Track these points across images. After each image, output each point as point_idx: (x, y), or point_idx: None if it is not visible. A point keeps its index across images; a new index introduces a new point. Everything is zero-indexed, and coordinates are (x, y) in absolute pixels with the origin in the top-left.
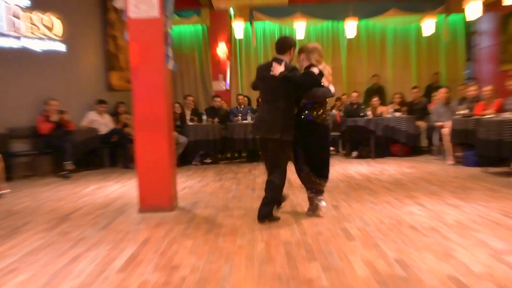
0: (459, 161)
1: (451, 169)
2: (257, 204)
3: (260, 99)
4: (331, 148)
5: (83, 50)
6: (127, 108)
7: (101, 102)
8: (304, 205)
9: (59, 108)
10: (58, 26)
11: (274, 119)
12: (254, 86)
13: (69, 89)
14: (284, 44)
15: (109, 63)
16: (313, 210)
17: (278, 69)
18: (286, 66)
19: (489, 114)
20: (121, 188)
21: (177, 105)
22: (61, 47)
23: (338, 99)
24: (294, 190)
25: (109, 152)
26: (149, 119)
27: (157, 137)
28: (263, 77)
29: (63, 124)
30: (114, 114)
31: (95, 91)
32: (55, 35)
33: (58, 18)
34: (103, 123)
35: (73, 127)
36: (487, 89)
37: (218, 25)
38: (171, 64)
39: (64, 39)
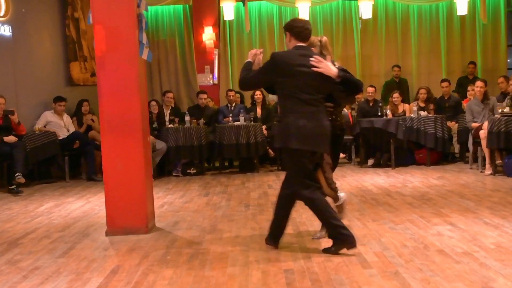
0: (499, 171)
1: (490, 180)
2: (252, 224)
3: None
4: (342, 156)
5: (35, 36)
6: (91, 107)
7: (59, 99)
8: (309, 225)
9: (6, 108)
10: None
11: (326, 127)
12: (261, 85)
13: (18, 84)
14: (309, 30)
15: (69, 52)
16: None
17: (332, 67)
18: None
19: None
20: (85, 205)
21: (153, 103)
22: (5, 31)
23: None
24: (297, 207)
25: (70, 161)
26: (119, 121)
27: (129, 142)
28: (299, 72)
29: (12, 127)
30: (76, 115)
31: (51, 86)
32: None
33: None
34: (63, 126)
35: (24, 131)
36: None
37: (204, 4)
38: (145, 53)
39: (9, 20)
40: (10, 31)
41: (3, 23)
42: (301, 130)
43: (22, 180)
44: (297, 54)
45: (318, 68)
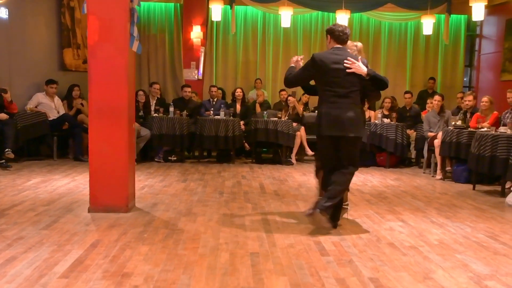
0: (448, 176)
1: (439, 184)
2: (224, 210)
3: (324, 94)
4: (311, 153)
5: (32, 20)
6: (82, 92)
7: (51, 82)
8: (276, 214)
9: (0, 86)
10: None
11: (356, 116)
12: (302, 81)
13: (12, 65)
14: (347, 35)
15: (64, 38)
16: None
17: (362, 66)
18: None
19: (485, 127)
20: (70, 183)
21: (141, 92)
22: (2, 13)
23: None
24: (267, 197)
25: (59, 141)
26: (107, 107)
27: (115, 127)
28: (334, 69)
29: (4, 105)
30: (67, 98)
31: (45, 70)
32: None
33: None
34: (53, 107)
35: (16, 109)
36: (484, 100)
37: (194, 4)
38: (135, 46)
39: (6, 3)
40: (7, 13)
41: (0, 5)
42: (330, 118)
43: (11, 155)
44: (333, 54)
45: (351, 69)
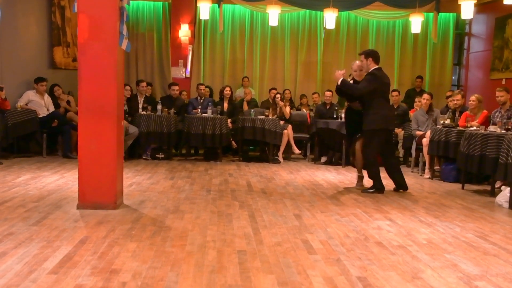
0: (436, 176)
1: (428, 183)
2: (211, 207)
3: (379, 101)
4: (298, 152)
5: (23, 19)
6: (71, 89)
7: (40, 80)
8: (263, 212)
9: None
10: None
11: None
12: (369, 92)
13: (3, 62)
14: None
15: (54, 37)
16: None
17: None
18: None
19: (474, 126)
20: (60, 179)
21: (127, 87)
22: None
23: (303, 95)
24: (254, 195)
25: (48, 139)
26: (96, 104)
27: (104, 125)
28: (386, 83)
29: None
30: (50, 95)
31: (35, 68)
32: None
33: None
34: (43, 105)
35: (8, 106)
36: (472, 99)
37: (182, 3)
38: (124, 44)
39: None
40: None
41: None
42: (385, 115)
43: None
44: (381, 73)
45: None
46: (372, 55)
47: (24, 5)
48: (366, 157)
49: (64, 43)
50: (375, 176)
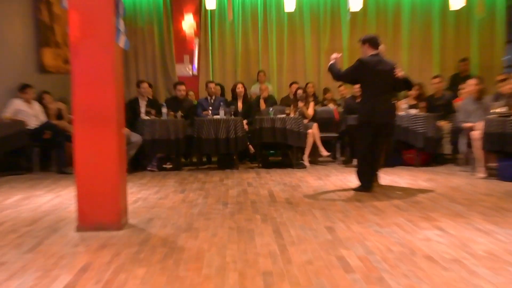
0: (493, 174)
1: (482, 184)
2: (229, 223)
3: (366, 91)
4: (326, 154)
5: (6, 19)
6: (63, 95)
7: (25, 86)
8: (289, 225)
9: None
10: None
11: (393, 107)
12: (353, 79)
13: None
14: (379, 41)
15: (42, 37)
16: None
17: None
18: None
19: None
20: (55, 199)
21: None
22: None
23: (327, 90)
24: (278, 206)
25: (40, 152)
26: (93, 111)
27: (103, 134)
28: (378, 71)
29: None
30: (38, 101)
31: (22, 73)
32: None
33: None
34: (32, 114)
35: None
36: None
37: None
38: (122, 41)
39: None
40: None
41: None
42: (371, 108)
43: None
44: (374, 59)
45: (399, 74)
46: (368, 40)
47: (7, 2)
48: (357, 153)
49: (54, 43)
50: (361, 174)
